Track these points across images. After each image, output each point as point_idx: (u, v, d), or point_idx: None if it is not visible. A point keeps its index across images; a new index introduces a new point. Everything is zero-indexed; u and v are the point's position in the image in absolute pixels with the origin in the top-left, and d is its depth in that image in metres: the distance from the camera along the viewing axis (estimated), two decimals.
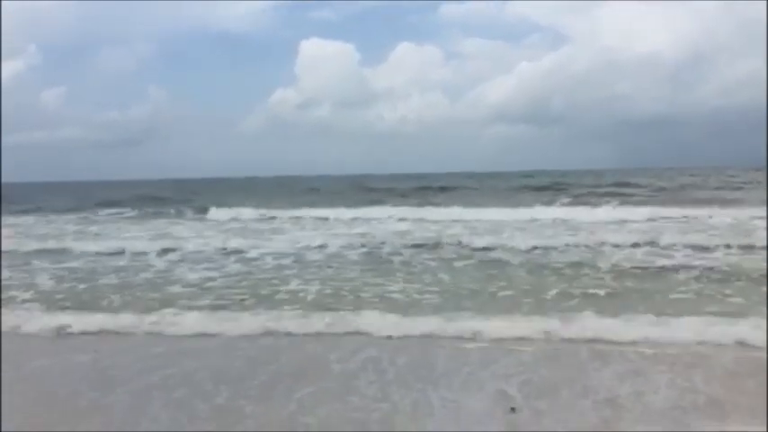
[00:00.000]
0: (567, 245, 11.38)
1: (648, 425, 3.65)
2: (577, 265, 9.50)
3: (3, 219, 19.43)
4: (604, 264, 9.45)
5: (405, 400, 4.11)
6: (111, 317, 6.47)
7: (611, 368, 4.62)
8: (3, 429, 3.70)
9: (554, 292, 7.56)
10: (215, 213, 20.93)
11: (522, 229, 14.08)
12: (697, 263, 9.28)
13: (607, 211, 17.31)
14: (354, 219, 18.18)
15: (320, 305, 7.06)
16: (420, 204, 22.40)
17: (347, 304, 7.09)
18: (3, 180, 53.74)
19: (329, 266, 9.96)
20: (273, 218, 19.46)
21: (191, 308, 6.90)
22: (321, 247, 11.85)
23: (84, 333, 5.99)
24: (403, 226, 15.84)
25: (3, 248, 12.04)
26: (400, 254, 11.11)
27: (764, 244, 10.35)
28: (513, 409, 3.91)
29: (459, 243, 11.79)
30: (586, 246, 11.22)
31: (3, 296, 7.73)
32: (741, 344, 5.12)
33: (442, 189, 34.79)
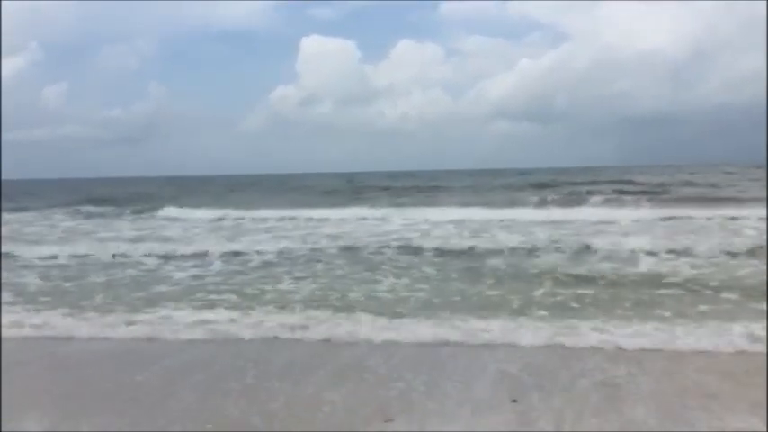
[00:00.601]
0: (552, 245, 11.19)
1: (648, 425, 3.60)
2: (560, 266, 9.38)
3: None
4: (583, 266, 9.33)
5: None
6: None
7: (604, 371, 4.53)
8: (3, 429, 3.66)
9: (528, 296, 7.37)
10: (168, 212, 21.21)
11: (508, 229, 13.87)
12: (673, 265, 9.15)
13: (596, 211, 17.15)
14: (322, 219, 17.92)
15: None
16: (406, 204, 22.16)
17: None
18: (3, 177, 53.77)
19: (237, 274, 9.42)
20: (240, 218, 19.22)
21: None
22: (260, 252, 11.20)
23: None
24: (388, 227, 15.69)
25: None
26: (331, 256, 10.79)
27: (739, 249, 10.14)
28: (514, 401, 3.96)
29: (415, 246, 11.45)
30: (569, 248, 10.93)
31: None
32: (729, 344, 5.11)
33: (436, 188, 34.59)
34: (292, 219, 18.20)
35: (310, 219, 17.97)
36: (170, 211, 21.55)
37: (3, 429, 3.68)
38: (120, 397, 4.24)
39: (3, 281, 8.91)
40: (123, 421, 3.83)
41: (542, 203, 20.39)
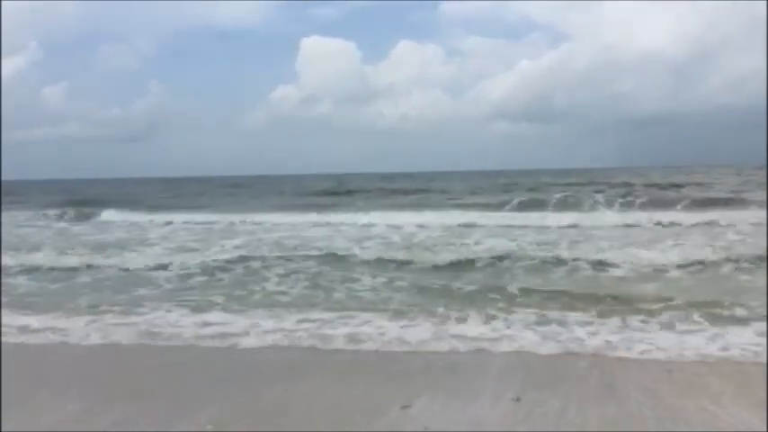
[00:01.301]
0: (539, 249, 10.84)
1: (647, 425, 3.62)
2: (554, 269, 9.35)
3: None
4: (576, 270, 9.22)
5: None
6: None
7: (603, 374, 4.55)
8: (3, 429, 3.68)
9: (516, 300, 7.22)
10: (108, 215, 21.26)
11: (492, 236, 13.41)
12: (669, 268, 9.04)
13: (593, 214, 16.82)
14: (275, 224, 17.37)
15: None
16: (398, 206, 21.76)
17: None
18: (3, 178, 53.60)
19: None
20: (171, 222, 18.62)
21: None
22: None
23: None
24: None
25: None
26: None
27: (736, 252, 9.85)
28: (518, 399, 4.01)
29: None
30: (562, 251, 10.54)
31: None
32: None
33: (433, 189, 34.35)
34: (256, 223, 17.66)
35: (260, 222, 17.62)
36: (109, 214, 21.41)
37: (3, 429, 3.68)
38: (119, 398, 4.23)
39: None
40: (122, 421, 3.82)
41: (538, 206, 20.00)
